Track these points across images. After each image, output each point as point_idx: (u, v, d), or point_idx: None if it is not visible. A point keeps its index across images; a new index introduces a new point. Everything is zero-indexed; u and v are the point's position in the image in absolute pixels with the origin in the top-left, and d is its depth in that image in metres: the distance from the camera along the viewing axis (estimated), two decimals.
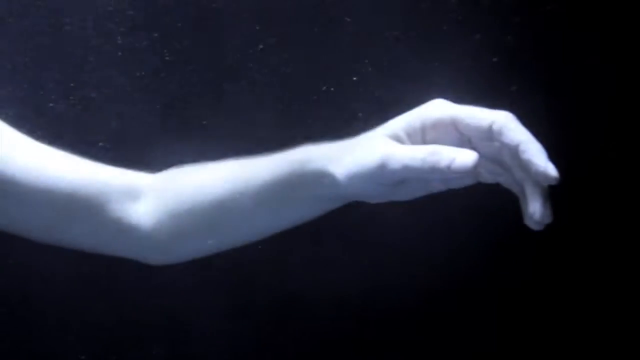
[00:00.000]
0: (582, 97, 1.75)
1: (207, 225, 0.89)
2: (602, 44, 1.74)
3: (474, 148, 0.72)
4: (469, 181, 0.74)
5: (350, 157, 0.76)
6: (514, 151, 0.69)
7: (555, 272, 1.77)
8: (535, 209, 0.68)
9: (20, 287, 1.67)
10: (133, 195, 0.92)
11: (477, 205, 1.50)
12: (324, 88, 1.73)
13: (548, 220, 0.68)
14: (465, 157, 0.68)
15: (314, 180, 0.80)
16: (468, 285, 1.77)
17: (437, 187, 0.76)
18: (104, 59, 1.67)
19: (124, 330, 1.74)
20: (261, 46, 1.71)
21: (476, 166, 0.68)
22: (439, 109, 0.74)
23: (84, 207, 0.89)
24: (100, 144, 1.62)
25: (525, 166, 0.68)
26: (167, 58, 1.68)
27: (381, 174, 0.72)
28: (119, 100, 1.67)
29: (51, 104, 1.63)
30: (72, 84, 1.66)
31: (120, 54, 1.67)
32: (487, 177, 0.75)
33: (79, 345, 1.72)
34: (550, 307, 1.78)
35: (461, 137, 0.73)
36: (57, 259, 1.60)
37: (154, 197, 0.92)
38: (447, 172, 0.68)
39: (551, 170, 0.66)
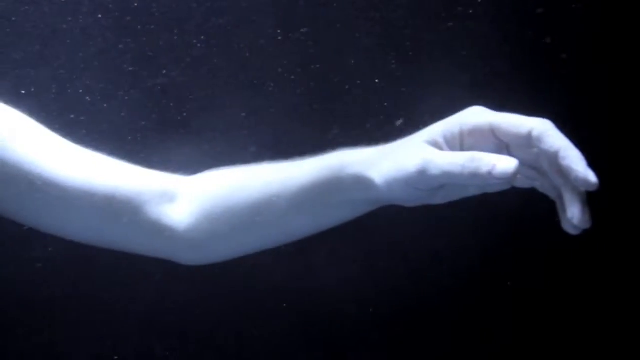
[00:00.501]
0: (620, 102, 1.76)
1: (242, 227, 0.91)
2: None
3: (511, 154, 0.73)
4: (505, 186, 0.74)
5: (389, 162, 0.77)
6: (553, 158, 0.70)
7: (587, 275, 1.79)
8: (574, 214, 0.70)
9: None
10: (169, 197, 0.94)
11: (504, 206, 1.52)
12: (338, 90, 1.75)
13: (587, 225, 0.69)
14: (506, 164, 0.69)
15: (352, 185, 0.81)
16: (487, 286, 1.79)
17: (473, 191, 0.78)
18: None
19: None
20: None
21: (517, 173, 0.70)
22: (477, 116, 0.75)
23: (122, 209, 0.92)
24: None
25: (564, 172, 0.70)
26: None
27: (421, 179, 0.74)
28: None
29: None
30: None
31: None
32: (523, 182, 0.77)
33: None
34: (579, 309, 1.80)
35: (499, 143, 0.74)
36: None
37: (189, 199, 0.94)
38: (487, 179, 0.70)
39: (591, 176, 0.68)
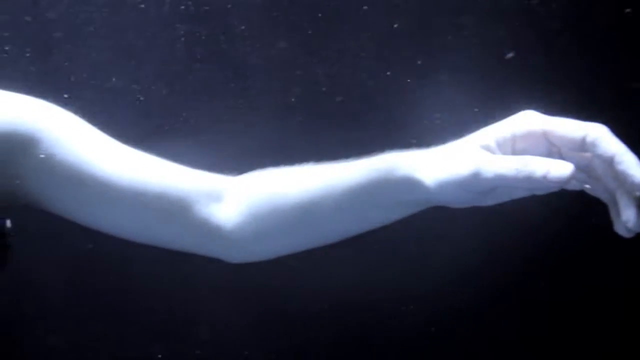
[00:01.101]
0: None
1: (289, 227, 0.93)
2: None
3: (563, 158, 0.75)
4: (555, 188, 0.76)
5: (441, 165, 0.79)
6: (608, 162, 0.72)
7: None
8: (628, 217, 0.71)
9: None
10: (216, 196, 0.96)
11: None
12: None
13: None
14: (561, 169, 0.71)
15: (401, 187, 0.83)
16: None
17: (521, 192, 0.79)
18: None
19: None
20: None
21: (571, 177, 0.71)
22: (530, 120, 0.77)
23: (173, 208, 0.94)
24: None
25: (619, 177, 0.71)
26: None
27: (474, 182, 0.76)
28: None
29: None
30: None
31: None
32: (574, 185, 0.78)
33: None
34: None
35: (551, 147, 0.76)
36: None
37: (236, 198, 0.96)
38: (542, 183, 0.71)
39: None
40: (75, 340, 1.78)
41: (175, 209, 0.94)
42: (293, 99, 1.79)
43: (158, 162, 0.96)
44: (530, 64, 1.79)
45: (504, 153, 0.77)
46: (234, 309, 1.82)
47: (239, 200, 0.95)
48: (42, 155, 0.92)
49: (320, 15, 1.77)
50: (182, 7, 1.74)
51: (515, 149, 0.77)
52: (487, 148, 0.77)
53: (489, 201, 0.81)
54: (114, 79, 1.75)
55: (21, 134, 0.92)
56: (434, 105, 1.78)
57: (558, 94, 1.66)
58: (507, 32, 1.79)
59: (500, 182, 0.74)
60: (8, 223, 0.96)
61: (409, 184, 0.82)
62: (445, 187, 0.78)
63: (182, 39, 1.75)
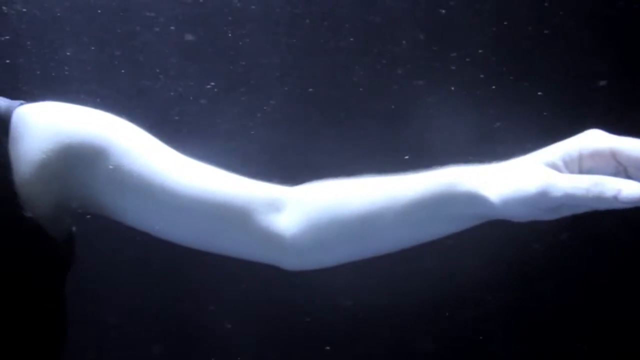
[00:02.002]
0: None
1: (348, 237, 0.96)
2: None
3: (629, 177, 0.77)
4: (618, 206, 0.77)
5: (507, 182, 0.81)
6: None
7: None
8: None
9: None
10: (276, 206, 0.99)
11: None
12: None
13: None
14: (632, 189, 0.73)
15: (464, 201, 0.86)
16: None
17: (585, 209, 0.80)
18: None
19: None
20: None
21: None
22: (597, 139, 0.79)
23: (233, 218, 0.97)
24: None
25: None
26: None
27: (542, 200, 0.78)
28: None
29: None
30: None
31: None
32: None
33: None
34: None
35: (617, 166, 0.78)
36: None
37: (296, 208, 0.99)
38: (612, 203, 0.73)
39: None
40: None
41: (237, 217, 0.97)
42: (293, 100, 1.81)
43: (219, 172, 1.00)
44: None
45: (571, 171, 0.79)
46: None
47: (298, 210, 0.98)
48: (111, 167, 0.96)
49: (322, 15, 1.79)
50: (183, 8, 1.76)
51: (581, 168, 0.80)
52: (554, 166, 0.80)
53: (551, 216, 0.83)
54: (113, 80, 1.77)
55: (93, 146, 0.96)
56: (438, 106, 1.80)
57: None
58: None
59: (569, 201, 0.76)
60: (73, 229, 1.00)
61: (473, 199, 0.85)
62: (511, 203, 0.81)
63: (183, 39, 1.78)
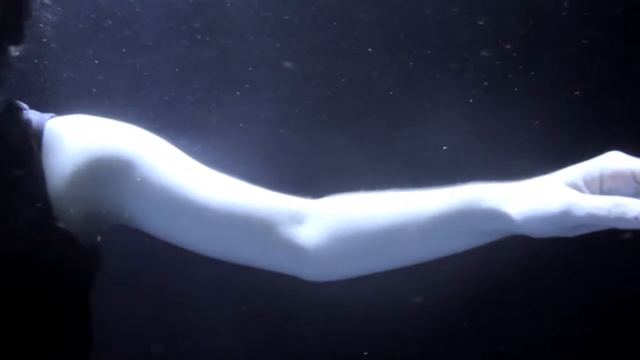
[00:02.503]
0: None
1: (370, 250, 0.99)
2: None
3: None
4: (639, 227, 0.80)
5: (530, 200, 0.84)
6: None
7: None
8: None
9: None
10: (298, 219, 1.02)
11: None
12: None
13: None
14: None
15: (486, 218, 0.89)
16: None
17: (603, 227, 0.83)
18: None
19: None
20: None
21: None
22: (617, 161, 0.82)
23: (256, 230, 1.00)
24: None
25: None
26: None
27: (564, 219, 0.81)
28: None
29: None
30: None
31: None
32: None
33: None
34: None
35: (637, 187, 0.81)
36: None
37: (318, 221, 1.01)
38: (633, 224, 0.76)
39: None
40: None
41: (260, 229, 1.00)
42: (294, 101, 1.83)
43: (242, 185, 1.03)
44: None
45: (592, 192, 0.82)
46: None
47: (320, 222, 1.01)
48: (139, 179, 0.99)
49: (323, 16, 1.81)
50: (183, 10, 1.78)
51: (602, 188, 0.82)
52: (575, 186, 0.83)
53: (571, 234, 0.86)
54: (114, 80, 1.78)
55: (122, 159, 0.99)
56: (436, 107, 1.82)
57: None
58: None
59: (591, 221, 0.79)
60: (98, 238, 1.02)
61: (495, 216, 0.88)
62: (533, 221, 0.84)
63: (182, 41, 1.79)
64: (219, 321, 1.88)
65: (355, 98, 1.86)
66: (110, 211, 1.01)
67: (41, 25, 1.00)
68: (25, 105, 1.04)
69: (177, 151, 1.03)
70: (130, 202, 1.00)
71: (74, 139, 1.00)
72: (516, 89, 1.84)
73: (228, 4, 1.81)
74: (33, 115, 1.02)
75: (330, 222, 1.01)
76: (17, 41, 1.02)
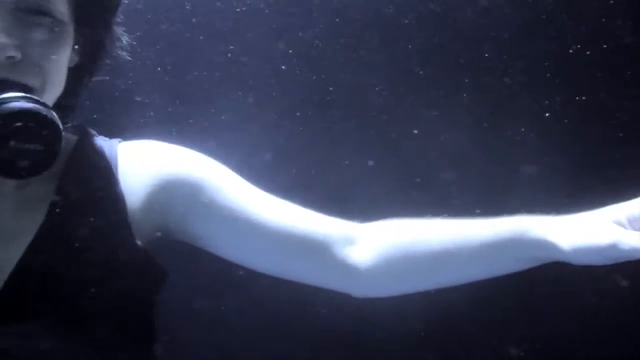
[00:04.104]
0: None
1: (419, 272, 1.08)
2: None
3: None
4: None
5: (579, 233, 0.95)
6: None
7: None
8: None
9: None
10: (350, 240, 1.10)
11: None
12: None
13: None
14: None
15: (534, 247, 0.99)
16: None
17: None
18: None
19: None
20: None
21: None
22: None
23: (313, 250, 1.08)
24: None
25: None
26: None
27: (610, 251, 0.92)
28: None
29: None
30: None
31: None
32: None
33: None
34: None
35: None
36: None
37: (369, 243, 1.09)
38: None
39: None
40: None
41: (316, 250, 1.08)
42: (295, 102, 1.87)
43: (298, 208, 1.10)
44: None
45: (634, 229, 0.94)
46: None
47: (372, 244, 1.09)
48: (206, 202, 1.06)
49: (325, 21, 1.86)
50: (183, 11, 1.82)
51: None
52: (620, 224, 0.94)
53: (610, 262, 0.96)
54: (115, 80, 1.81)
55: (191, 183, 1.07)
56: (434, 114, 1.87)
57: None
58: None
59: (635, 255, 0.91)
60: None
61: (542, 245, 0.99)
62: (582, 251, 0.95)
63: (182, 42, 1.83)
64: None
65: (356, 100, 1.90)
66: (178, 230, 1.07)
67: None
68: (93, 131, 1.10)
69: (237, 176, 1.11)
70: (197, 223, 1.07)
71: (147, 162, 1.07)
72: (516, 89, 1.88)
73: (232, 4, 1.84)
74: (103, 140, 1.09)
75: (381, 245, 1.09)
76: (92, 76, 1.10)
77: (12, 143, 0.88)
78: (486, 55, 1.86)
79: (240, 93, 1.84)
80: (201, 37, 1.83)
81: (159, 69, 1.84)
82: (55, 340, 0.94)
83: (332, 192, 1.70)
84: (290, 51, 1.84)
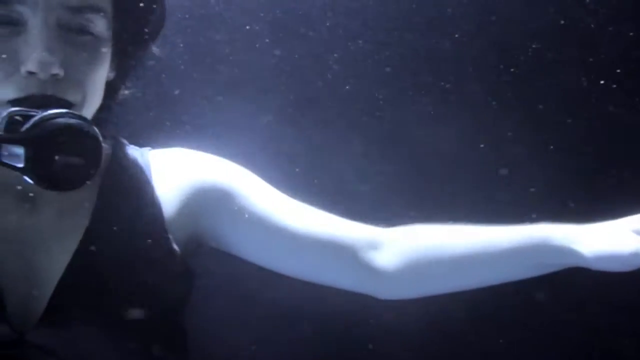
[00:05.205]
0: None
1: (441, 277, 1.12)
2: None
3: None
4: None
5: (601, 241, 1.00)
6: None
7: None
8: None
9: None
10: (375, 245, 1.14)
11: None
12: None
13: None
14: None
15: (555, 253, 1.04)
16: None
17: None
18: None
19: None
20: None
21: None
22: None
23: (339, 254, 1.12)
24: None
25: None
26: None
27: (631, 259, 0.98)
28: None
29: None
30: None
31: None
32: None
33: None
34: None
35: None
36: None
37: (394, 247, 1.13)
38: None
39: None
40: None
41: (343, 254, 1.12)
42: (295, 102, 1.88)
43: (324, 213, 1.14)
44: None
45: None
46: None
47: (396, 249, 1.13)
48: (236, 208, 1.10)
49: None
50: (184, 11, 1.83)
51: None
52: (639, 233, 0.99)
53: (629, 269, 1.02)
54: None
55: (219, 190, 1.11)
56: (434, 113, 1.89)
57: None
58: None
59: None
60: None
61: (564, 252, 1.03)
62: (603, 259, 1.00)
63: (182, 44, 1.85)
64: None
65: (357, 100, 1.91)
66: (209, 235, 1.11)
67: None
68: (125, 140, 1.13)
69: (265, 183, 1.14)
70: (228, 228, 1.11)
71: (179, 170, 1.11)
72: (517, 89, 1.90)
73: (231, 3, 1.86)
74: (134, 149, 1.12)
75: (405, 249, 1.13)
76: (124, 89, 1.13)
77: (57, 157, 0.90)
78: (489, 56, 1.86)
79: (240, 93, 1.86)
80: (201, 38, 1.85)
81: (157, 68, 1.84)
82: (101, 343, 0.98)
83: (333, 193, 1.72)
84: (291, 51, 1.86)
